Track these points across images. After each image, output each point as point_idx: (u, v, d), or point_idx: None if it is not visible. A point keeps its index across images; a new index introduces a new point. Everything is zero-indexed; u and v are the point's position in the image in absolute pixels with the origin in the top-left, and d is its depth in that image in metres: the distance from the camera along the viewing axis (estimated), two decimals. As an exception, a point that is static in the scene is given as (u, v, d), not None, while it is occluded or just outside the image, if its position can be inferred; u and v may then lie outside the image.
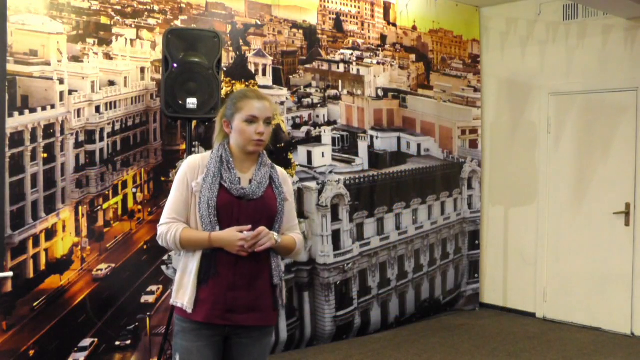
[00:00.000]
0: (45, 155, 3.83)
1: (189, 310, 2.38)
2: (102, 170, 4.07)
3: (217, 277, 2.38)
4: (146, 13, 4.27)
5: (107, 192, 4.10)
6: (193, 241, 2.40)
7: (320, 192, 5.10)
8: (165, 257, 4.25)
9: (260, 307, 2.44)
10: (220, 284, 2.38)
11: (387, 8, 5.74)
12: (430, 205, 6.01)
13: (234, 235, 2.34)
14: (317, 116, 5.23)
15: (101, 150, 4.06)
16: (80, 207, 3.98)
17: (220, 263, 2.38)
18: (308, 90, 5.18)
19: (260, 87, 4.78)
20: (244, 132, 2.46)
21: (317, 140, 5.19)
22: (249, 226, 2.35)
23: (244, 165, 2.50)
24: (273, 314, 2.51)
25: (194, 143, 4.00)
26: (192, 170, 2.46)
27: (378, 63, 5.65)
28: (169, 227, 2.42)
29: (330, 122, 5.29)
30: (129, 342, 4.14)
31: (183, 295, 2.41)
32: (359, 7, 5.55)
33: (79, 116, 3.96)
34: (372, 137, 5.56)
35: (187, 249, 2.43)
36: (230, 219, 2.39)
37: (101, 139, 4.06)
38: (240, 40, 4.72)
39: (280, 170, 2.61)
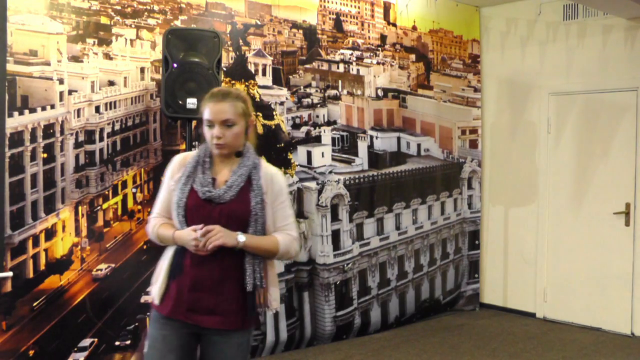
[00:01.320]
0: (45, 155, 3.83)
1: (156, 302, 2.44)
2: (101, 170, 4.07)
3: (182, 275, 2.40)
4: (146, 13, 4.27)
5: (106, 192, 4.10)
6: (165, 238, 2.47)
7: (320, 192, 5.10)
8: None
9: (223, 311, 2.40)
10: (185, 282, 2.39)
11: (387, 8, 5.74)
12: (430, 205, 6.01)
13: (189, 235, 2.34)
14: (317, 116, 5.22)
15: (101, 150, 4.06)
16: (80, 207, 3.98)
17: (187, 262, 2.40)
18: (308, 90, 5.18)
19: (260, 87, 4.78)
20: (205, 135, 2.47)
21: (317, 140, 5.19)
22: (202, 225, 2.32)
23: (224, 165, 2.49)
24: (238, 318, 2.43)
25: (193, 143, 4.00)
26: (175, 167, 2.51)
27: (378, 63, 5.65)
28: (155, 221, 2.52)
29: (330, 122, 5.29)
30: (128, 342, 4.14)
31: (155, 286, 2.47)
32: (358, 7, 5.55)
33: (78, 116, 3.96)
34: (371, 137, 5.56)
35: (164, 243, 2.51)
36: (198, 222, 2.36)
37: (101, 139, 4.06)
38: (240, 40, 4.72)
39: (266, 170, 2.52)
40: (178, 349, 2.44)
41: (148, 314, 4.21)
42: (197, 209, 2.39)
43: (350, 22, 5.49)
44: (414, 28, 5.95)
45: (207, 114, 2.44)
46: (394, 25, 5.80)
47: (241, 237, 2.36)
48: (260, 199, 2.44)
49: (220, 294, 2.39)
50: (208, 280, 2.39)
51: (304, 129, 5.12)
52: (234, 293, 2.41)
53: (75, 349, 3.93)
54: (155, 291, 2.45)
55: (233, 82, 4.62)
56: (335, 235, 5.22)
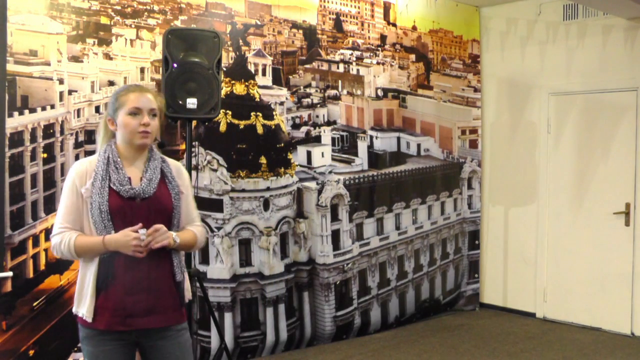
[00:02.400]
0: (45, 155, 3.83)
1: (89, 320, 2.34)
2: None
3: (114, 283, 2.33)
4: (146, 13, 4.27)
5: (106, 192, 4.09)
6: (88, 247, 2.33)
7: (319, 192, 5.10)
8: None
9: (161, 308, 2.39)
10: (118, 289, 2.33)
11: (387, 8, 5.74)
12: (430, 205, 6.01)
13: (127, 236, 2.27)
14: (317, 116, 5.23)
15: (101, 150, 4.06)
16: (80, 207, 3.97)
17: (117, 268, 2.33)
18: (308, 90, 5.18)
19: (259, 87, 4.78)
20: (128, 124, 2.39)
21: (317, 140, 5.20)
22: (140, 224, 2.28)
23: (134, 162, 2.44)
24: (177, 313, 2.44)
25: (193, 143, 4.00)
26: (80, 176, 2.38)
27: (378, 63, 5.65)
28: (62, 236, 2.35)
29: (329, 122, 5.30)
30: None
31: (83, 304, 2.36)
32: (358, 7, 5.55)
33: (78, 116, 3.96)
34: (371, 137, 5.56)
35: (83, 256, 2.37)
36: (124, 222, 2.32)
37: (101, 139, 4.05)
38: (240, 40, 4.73)
39: (173, 162, 2.54)
40: None
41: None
42: (122, 209, 2.34)
43: (350, 22, 5.50)
44: (414, 28, 5.95)
45: (133, 102, 2.40)
46: (394, 25, 5.80)
47: (176, 237, 2.38)
48: (177, 190, 2.47)
49: (157, 292, 2.38)
50: (144, 281, 2.35)
51: (304, 129, 5.12)
52: (169, 288, 2.42)
53: (75, 349, 3.93)
54: (84, 309, 2.34)
55: (233, 82, 4.62)
56: (335, 235, 5.22)
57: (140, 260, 2.31)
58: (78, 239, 2.34)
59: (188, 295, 2.56)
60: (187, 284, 2.56)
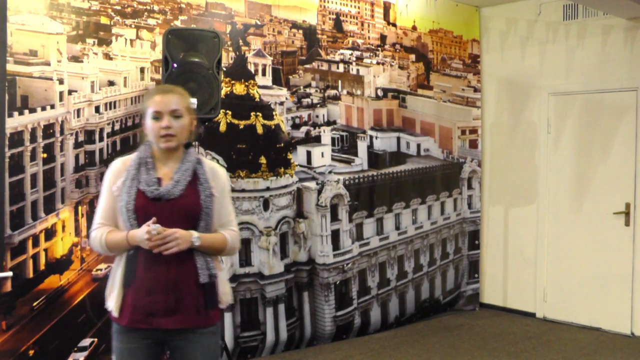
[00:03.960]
0: (45, 155, 3.83)
1: (115, 314, 2.39)
2: (101, 170, 4.07)
3: (136, 281, 2.36)
4: (146, 13, 4.27)
5: (106, 192, 4.10)
6: (116, 242, 2.39)
7: (319, 192, 5.10)
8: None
9: (182, 309, 2.37)
10: (140, 288, 2.36)
11: (387, 8, 5.74)
12: (430, 205, 6.01)
13: (142, 231, 2.29)
14: (317, 116, 5.23)
15: (101, 150, 4.07)
16: (79, 207, 3.98)
17: (139, 267, 2.36)
18: (307, 90, 5.18)
19: (259, 87, 4.78)
20: (151, 129, 2.42)
21: (317, 140, 5.20)
22: (154, 219, 2.29)
23: (167, 163, 2.45)
24: (199, 315, 2.41)
25: (193, 143, 3.99)
26: (114, 174, 2.44)
27: (378, 63, 5.65)
28: (97, 232, 2.43)
29: (329, 122, 5.30)
30: (128, 342, 4.13)
31: (111, 299, 2.41)
32: (358, 7, 5.55)
33: (78, 116, 3.96)
34: (371, 137, 5.56)
35: (114, 251, 2.43)
36: (148, 221, 2.32)
37: (101, 139, 4.06)
38: (240, 40, 4.73)
39: (209, 164, 2.52)
40: None
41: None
42: (147, 209, 2.35)
43: (350, 22, 5.50)
44: (414, 28, 5.96)
45: (154, 105, 2.41)
46: (394, 25, 5.80)
47: (196, 239, 2.35)
48: (209, 192, 2.42)
49: (176, 293, 2.36)
50: (162, 281, 2.35)
51: (304, 129, 5.12)
52: (190, 290, 2.38)
53: (75, 348, 3.93)
54: (112, 303, 2.40)
55: (233, 82, 4.62)
56: (335, 235, 5.22)
57: (160, 260, 2.32)
58: (108, 234, 2.40)
59: (226, 299, 2.50)
60: (224, 287, 2.50)
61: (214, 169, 2.52)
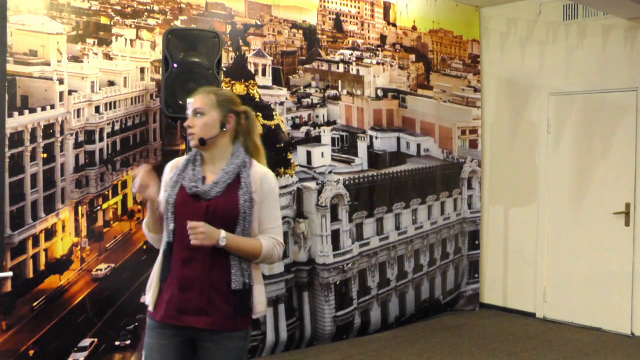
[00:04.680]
0: (45, 155, 3.83)
1: (150, 309, 2.44)
2: (101, 170, 4.07)
3: (171, 276, 2.40)
4: (146, 13, 4.27)
5: (106, 192, 4.10)
6: (147, 213, 2.49)
7: (319, 192, 5.10)
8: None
9: (212, 311, 2.36)
10: (174, 284, 2.39)
11: (387, 8, 5.74)
12: (430, 205, 6.01)
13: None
14: (317, 116, 5.23)
15: (101, 150, 4.07)
16: (79, 207, 3.98)
17: (174, 264, 2.40)
18: (307, 90, 5.18)
19: (259, 87, 4.79)
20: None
21: (317, 140, 5.20)
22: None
23: (214, 162, 2.47)
24: (228, 319, 2.38)
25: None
26: (169, 169, 2.53)
27: (378, 63, 5.65)
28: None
29: (329, 122, 5.30)
30: (128, 342, 4.14)
31: (148, 293, 2.47)
32: (358, 7, 5.55)
33: (78, 116, 3.96)
34: (371, 137, 5.56)
35: (148, 226, 2.51)
36: (184, 217, 2.35)
37: (101, 139, 4.06)
38: (240, 40, 4.73)
39: (257, 169, 2.47)
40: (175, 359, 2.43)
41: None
42: (184, 205, 2.38)
43: (350, 22, 5.50)
44: (414, 28, 5.96)
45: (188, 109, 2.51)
46: (394, 25, 5.80)
47: (222, 239, 2.32)
48: (248, 197, 2.39)
49: (209, 294, 2.36)
50: (197, 280, 2.36)
51: (304, 129, 5.12)
52: (223, 293, 2.37)
53: (75, 348, 3.93)
54: (149, 297, 2.45)
55: (233, 82, 4.62)
56: (335, 235, 5.22)
57: (196, 258, 2.35)
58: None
59: (260, 309, 2.46)
60: (260, 297, 2.46)
61: (261, 173, 2.47)
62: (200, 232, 2.28)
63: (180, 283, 2.37)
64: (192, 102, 2.47)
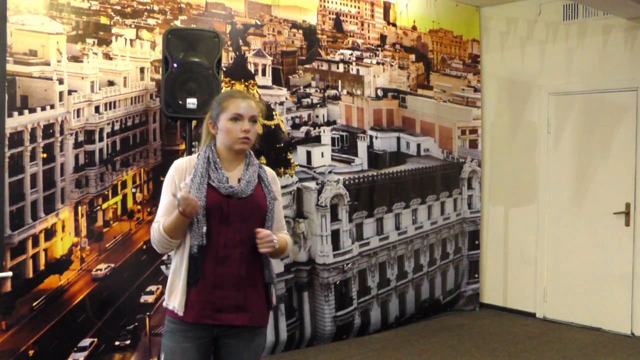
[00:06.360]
0: (45, 155, 3.83)
1: (180, 313, 2.40)
2: (101, 170, 4.07)
3: (203, 278, 2.39)
4: (146, 13, 4.27)
5: (106, 192, 4.10)
6: (172, 221, 2.36)
7: (319, 192, 5.09)
8: (165, 257, 4.25)
9: (249, 306, 2.43)
10: (208, 284, 2.39)
11: (387, 8, 5.74)
12: (430, 205, 6.01)
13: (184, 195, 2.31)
14: (317, 116, 5.23)
15: (100, 150, 4.07)
16: (79, 207, 3.98)
17: (207, 264, 2.40)
18: (307, 90, 5.18)
19: (259, 87, 4.78)
20: (230, 130, 2.46)
21: (317, 140, 5.19)
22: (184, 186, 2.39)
23: (232, 165, 2.51)
24: (264, 314, 2.51)
25: (193, 143, 4.00)
26: (180, 172, 2.48)
27: (378, 63, 5.65)
28: (156, 224, 2.45)
29: (329, 122, 5.30)
30: (128, 342, 4.14)
31: (175, 298, 2.42)
32: (358, 7, 5.55)
33: (78, 116, 3.96)
34: (371, 137, 5.56)
35: (173, 234, 2.39)
36: (220, 218, 2.39)
37: (100, 139, 4.06)
38: (240, 40, 4.72)
39: (268, 170, 2.62)
40: None
41: (148, 313, 4.21)
42: (219, 205, 2.40)
43: (350, 22, 5.49)
44: (414, 28, 5.95)
45: (236, 108, 2.47)
46: (394, 25, 5.80)
47: (277, 243, 2.43)
48: (273, 195, 2.53)
49: (246, 290, 2.42)
50: (233, 278, 2.40)
51: (304, 129, 5.12)
52: (257, 288, 2.46)
53: (75, 349, 3.93)
54: (176, 302, 2.40)
55: (233, 82, 4.62)
56: (335, 235, 5.22)
57: (232, 257, 2.39)
58: (165, 220, 2.41)
59: (273, 300, 2.58)
60: (273, 289, 2.57)
61: (273, 174, 2.62)
62: (270, 240, 2.37)
63: (217, 282, 2.39)
64: (248, 108, 2.48)
